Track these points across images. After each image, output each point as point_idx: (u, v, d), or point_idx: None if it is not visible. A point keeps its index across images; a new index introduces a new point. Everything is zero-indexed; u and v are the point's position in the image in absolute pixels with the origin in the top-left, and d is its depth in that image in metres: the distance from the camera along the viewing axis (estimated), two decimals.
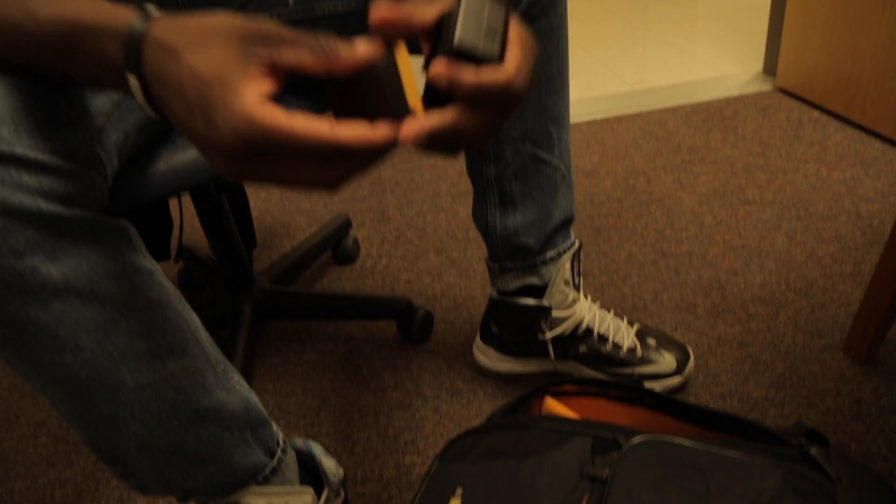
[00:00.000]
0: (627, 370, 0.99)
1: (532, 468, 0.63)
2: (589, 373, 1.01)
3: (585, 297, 1.02)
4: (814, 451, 0.62)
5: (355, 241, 1.39)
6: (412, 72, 0.45)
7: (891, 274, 0.93)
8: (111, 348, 0.55)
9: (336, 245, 1.36)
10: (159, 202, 1.00)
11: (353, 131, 0.42)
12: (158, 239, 1.04)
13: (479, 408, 1.01)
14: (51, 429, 1.06)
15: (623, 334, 1.00)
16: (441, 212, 1.51)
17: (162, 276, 0.61)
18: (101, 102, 0.60)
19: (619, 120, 1.84)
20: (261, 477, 0.70)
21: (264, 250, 1.44)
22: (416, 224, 1.47)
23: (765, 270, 1.24)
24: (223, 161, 0.43)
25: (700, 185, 1.51)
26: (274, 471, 0.71)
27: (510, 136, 0.86)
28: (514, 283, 0.96)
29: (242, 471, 0.68)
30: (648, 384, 0.99)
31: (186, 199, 1.50)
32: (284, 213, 1.57)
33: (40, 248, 0.49)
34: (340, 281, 1.32)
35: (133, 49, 0.44)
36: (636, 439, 0.62)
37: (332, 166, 0.44)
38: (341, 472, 0.80)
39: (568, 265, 0.94)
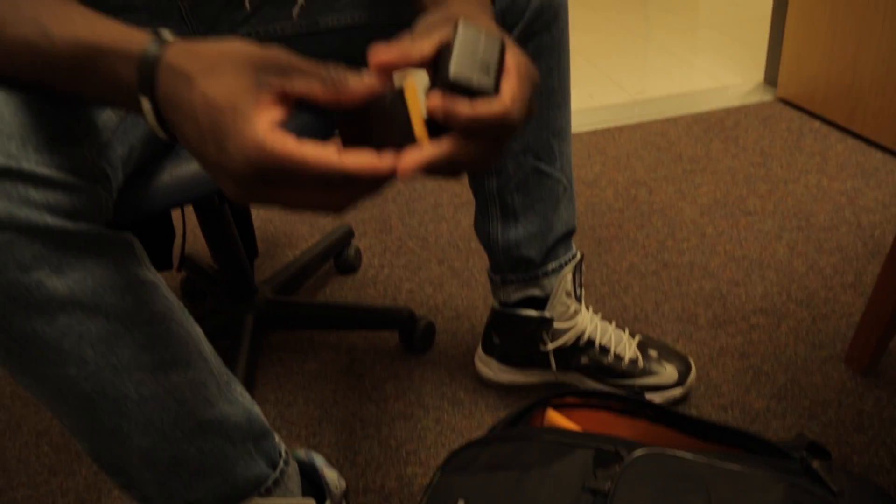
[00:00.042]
0: (629, 381, 1.00)
1: (534, 480, 0.63)
2: (590, 384, 1.01)
3: (587, 308, 1.02)
4: (816, 464, 0.62)
5: (357, 251, 1.39)
6: (419, 102, 0.46)
7: (892, 285, 0.93)
8: (115, 361, 0.56)
9: (338, 255, 1.36)
10: (163, 213, 1.01)
11: (360, 160, 0.43)
12: (161, 248, 1.05)
13: (480, 418, 1.02)
14: (53, 438, 1.06)
15: (625, 346, 1.00)
16: (443, 221, 1.51)
17: (166, 289, 0.61)
18: (106, 117, 0.61)
19: (620, 130, 1.85)
20: (263, 489, 0.70)
21: (266, 259, 1.45)
22: (418, 234, 1.48)
23: (766, 281, 1.24)
24: (234, 186, 0.44)
25: (701, 195, 1.52)
26: (276, 482, 0.71)
27: (512, 149, 0.86)
28: (515, 295, 0.97)
29: (245, 483, 0.68)
30: (650, 396, 0.99)
31: (189, 208, 1.50)
32: (286, 223, 1.57)
33: (46, 263, 0.49)
34: (342, 290, 1.33)
35: (147, 73, 0.44)
36: (638, 452, 0.62)
37: (338, 192, 0.45)
38: (343, 483, 0.80)
39: (569, 277, 0.95)
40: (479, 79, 0.46)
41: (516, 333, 0.99)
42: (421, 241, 1.45)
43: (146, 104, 0.45)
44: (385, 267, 1.38)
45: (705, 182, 1.56)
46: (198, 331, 0.65)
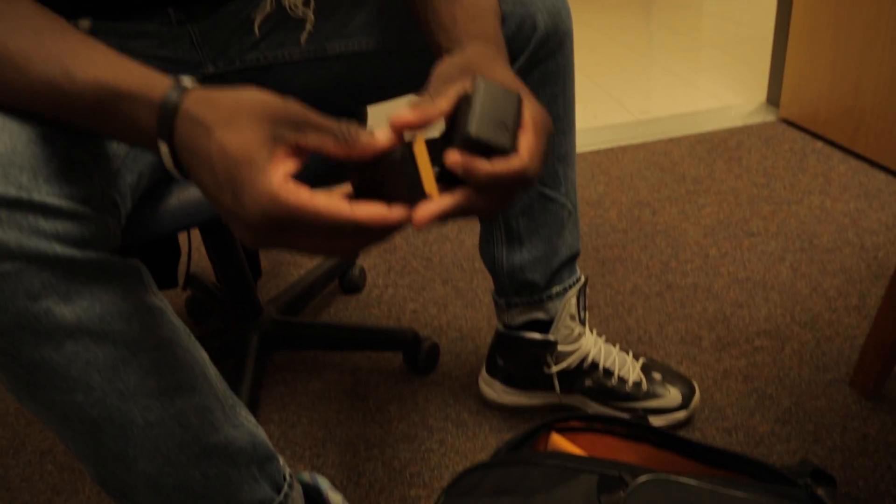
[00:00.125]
0: (633, 404, 0.99)
1: None
2: (594, 406, 1.01)
3: (591, 330, 1.02)
4: (820, 491, 0.62)
5: (362, 271, 1.39)
6: (428, 159, 0.48)
7: None
8: (121, 387, 0.56)
9: (343, 274, 1.37)
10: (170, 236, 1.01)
11: (370, 211, 0.45)
12: (166, 267, 1.05)
13: (484, 440, 1.01)
14: (56, 457, 1.06)
15: (628, 368, 1.00)
16: (447, 241, 1.52)
17: (172, 314, 0.62)
18: (116, 146, 0.62)
19: (623, 150, 1.86)
20: None
21: (271, 279, 1.45)
22: (422, 253, 1.48)
23: (770, 303, 1.24)
24: (248, 233, 0.45)
25: (705, 216, 1.52)
26: None
27: None
28: (520, 318, 0.97)
29: None
30: (653, 419, 0.99)
31: (194, 228, 1.51)
32: None
33: (55, 291, 0.50)
34: (347, 310, 1.33)
35: (166, 119, 0.46)
36: (642, 478, 0.62)
37: (349, 239, 0.46)
38: None
39: (574, 300, 0.95)
40: (497, 137, 0.48)
41: (520, 356, 0.99)
42: (425, 260, 1.46)
43: (164, 148, 0.47)
44: (389, 287, 1.39)
45: (709, 203, 1.57)
46: (203, 355, 0.65)
